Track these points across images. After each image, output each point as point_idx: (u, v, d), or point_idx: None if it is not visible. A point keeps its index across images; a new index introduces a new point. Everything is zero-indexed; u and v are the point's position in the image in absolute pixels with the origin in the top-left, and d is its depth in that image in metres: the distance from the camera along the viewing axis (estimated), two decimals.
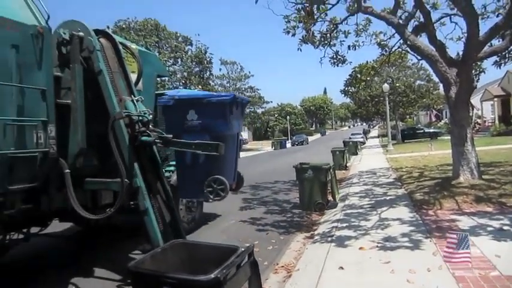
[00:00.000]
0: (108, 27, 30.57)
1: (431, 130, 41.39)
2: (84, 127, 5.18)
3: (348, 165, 19.33)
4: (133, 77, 6.16)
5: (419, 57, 11.63)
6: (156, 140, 5.31)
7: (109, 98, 5.21)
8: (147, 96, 6.85)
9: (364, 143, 43.97)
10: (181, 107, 5.36)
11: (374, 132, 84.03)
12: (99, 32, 5.76)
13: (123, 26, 36.01)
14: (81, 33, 5.28)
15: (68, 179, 4.96)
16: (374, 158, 22.59)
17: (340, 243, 5.69)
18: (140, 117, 5.31)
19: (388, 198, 9.17)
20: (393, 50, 13.70)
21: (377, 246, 5.34)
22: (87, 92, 5.33)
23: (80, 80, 5.18)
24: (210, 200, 5.25)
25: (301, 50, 12.40)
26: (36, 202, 4.95)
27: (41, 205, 5.01)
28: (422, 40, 10.41)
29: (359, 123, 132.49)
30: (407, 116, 60.83)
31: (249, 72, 47.74)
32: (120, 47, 5.86)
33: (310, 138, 64.64)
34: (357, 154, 26.87)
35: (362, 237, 5.90)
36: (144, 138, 5.17)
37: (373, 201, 8.87)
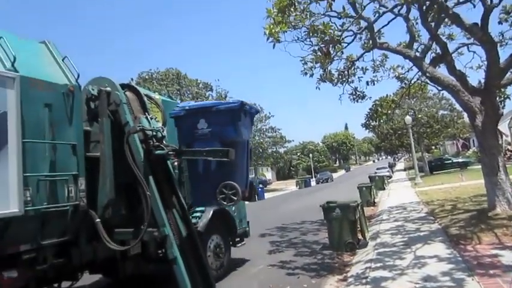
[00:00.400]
0: (132, 79, 31.94)
1: (460, 160, 40.14)
2: (113, 178, 5.30)
3: (376, 201, 18.82)
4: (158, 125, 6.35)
5: (440, 88, 11.54)
6: (169, 152, 5.48)
7: (135, 147, 5.38)
8: (171, 143, 7.01)
9: (390, 177, 42.97)
10: (191, 116, 5.51)
11: (400, 165, 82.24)
12: (124, 86, 6.04)
13: (146, 76, 37.59)
14: (108, 89, 5.56)
15: (99, 227, 5.02)
16: (402, 192, 21.94)
17: (376, 285, 5.43)
18: (154, 133, 5.49)
19: (421, 234, 8.79)
20: (412, 82, 13.67)
21: None
22: (114, 144, 5.51)
23: (108, 133, 5.37)
24: (224, 204, 5.22)
25: (319, 88, 12.53)
26: (68, 256, 5.00)
27: (72, 259, 5.04)
28: (442, 71, 10.38)
29: (383, 157, 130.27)
30: (433, 147, 59.49)
31: (269, 112, 48.31)
32: (145, 98, 6.11)
33: (334, 175, 63.72)
34: (384, 189, 26.20)
35: (399, 278, 5.61)
36: (158, 151, 5.36)
37: (406, 238, 8.51)
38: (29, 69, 4.50)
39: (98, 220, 5.08)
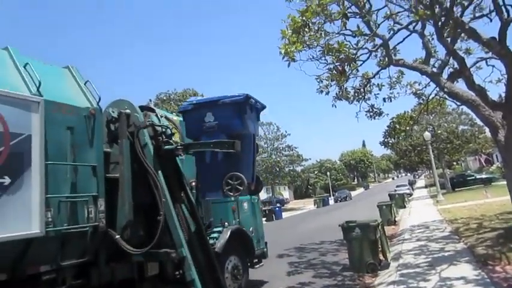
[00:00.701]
0: (150, 101, 32.57)
1: (484, 176, 38.95)
2: (131, 199, 5.35)
3: (396, 219, 18.39)
4: None
5: (459, 103, 11.35)
6: (177, 147, 5.65)
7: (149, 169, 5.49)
8: (188, 163, 7.07)
9: (411, 194, 42.01)
10: (199, 110, 5.63)
11: (420, 182, 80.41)
12: (143, 108, 6.18)
13: (164, 97, 38.26)
14: (128, 111, 5.69)
15: (120, 242, 5.07)
16: (424, 210, 21.39)
17: None
18: (164, 129, 5.68)
19: (446, 254, 8.51)
20: (430, 98, 13.50)
21: None
22: (133, 165, 5.59)
23: (128, 154, 5.46)
24: (231, 195, 5.30)
25: (335, 106, 12.45)
26: (86, 277, 5.01)
27: (91, 280, 5.06)
28: (460, 85, 10.22)
29: (403, 174, 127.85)
30: (455, 163, 58.15)
31: (285, 131, 48.19)
32: (164, 121, 6.22)
33: (353, 193, 62.75)
34: (405, 207, 25.61)
35: None
36: (167, 147, 5.54)
37: (430, 259, 8.25)
38: (52, 93, 4.65)
39: (118, 236, 5.13)
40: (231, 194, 5.27)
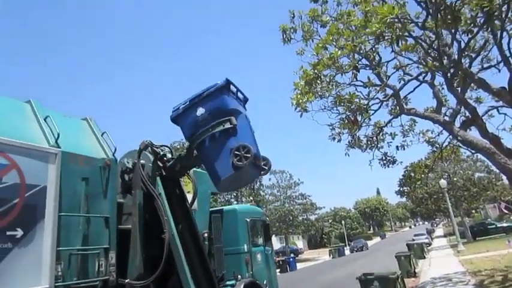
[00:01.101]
0: None
1: (505, 224, 37.48)
2: (142, 251, 5.29)
3: (416, 271, 17.58)
4: (189, 197, 6.45)
5: (473, 151, 11.23)
6: (181, 155, 6.17)
7: (165, 218, 5.47)
8: (202, 214, 7.04)
9: (430, 244, 40.47)
10: (189, 109, 5.83)
11: (439, 231, 77.75)
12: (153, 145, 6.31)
13: (178, 146, 38.75)
14: (142, 161, 5.77)
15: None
16: (445, 261, 20.46)
17: None
18: (162, 150, 6.13)
19: None
20: (444, 146, 13.41)
21: None
22: (145, 215, 5.58)
23: (141, 206, 5.47)
24: (241, 165, 5.32)
25: (348, 155, 12.42)
26: None
27: None
28: (473, 133, 10.17)
29: (420, 223, 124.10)
30: (473, 211, 56.37)
31: (298, 179, 47.73)
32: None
33: (369, 243, 60.75)
34: (424, 258, 24.57)
35: None
36: (169, 163, 6.00)
37: None
38: (70, 145, 4.77)
39: (128, 280, 5.06)
40: (241, 163, 5.31)
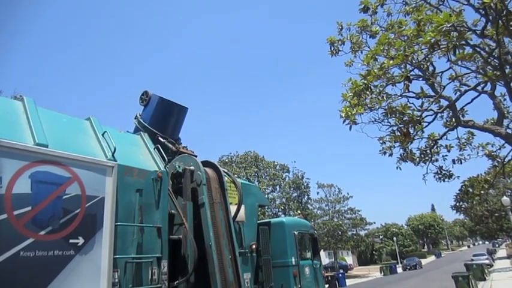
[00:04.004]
0: None
1: None
2: (194, 261, 5.40)
3: None
4: (234, 208, 6.55)
5: None
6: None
7: (206, 228, 5.63)
8: (250, 225, 7.06)
9: (491, 265, 37.61)
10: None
11: (501, 251, 72.06)
12: (207, 164, 6.46)
13: (226, 160, 39.35)
14: (192, 167, 5.97)
15: None
16: (508, 284, 18.91)
17: None
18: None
19: None
20: (506, 160, 12.51)
21: None
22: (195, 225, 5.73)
23: (191, 216, 5.62)
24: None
25: (400, 168, 11.95)
26: None
27: None
28: None
29: (480, 242, 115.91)
30: None
31: (348, 193, 46.63)
32: (225, 179, 6.43)
33: (423, 261, 57.55)
34: (485, 279, 22.90)
35: None
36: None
37: None
38: (125, 158, 5.02)
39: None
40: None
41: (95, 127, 5.23)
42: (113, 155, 4.84)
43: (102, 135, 5.11)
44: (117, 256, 4.41)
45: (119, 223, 4.55)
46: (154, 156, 5.68)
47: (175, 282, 5.33)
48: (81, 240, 4.10)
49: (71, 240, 4.04)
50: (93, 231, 4.25)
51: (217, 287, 5.37)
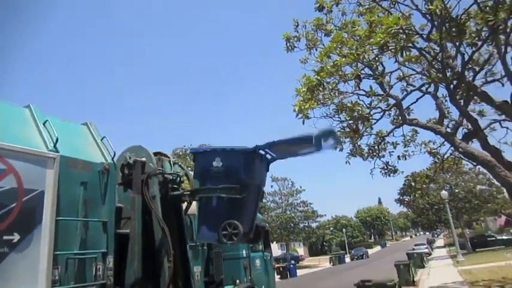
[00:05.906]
0: None
1: (505, 237, 37.30)
2: (141, 256, 5.27)
3: (415, 280, 17.48)
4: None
5: (474, 163, 11.20)
6: (184, 193, 5.95)
7: (156, 221, 5.53)
8: None
9: (430, 254, 40.26)
10: (209, 154, 5.73)
11: (439, 241, 77.30)
12: (157, 153, 6.31)
13: (180, 153, 38.65)
14: (143, 159, 5.79)
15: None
16: (444, 271, 20.38)
17: None
18: (174, 177, 5.98)
19: None
20: (446, 157, 13.37)
21: None
22: (144, 218, 5.58)
23: (140, 209, 5.46)
24: (225, 242, 5.27)
25: (349, 163, 12.38)
26: None
27: None
28: (475, 145, 10.15)
29: (421, 233, 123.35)
30: (474, 223, 56.09)
31: (300, 186, 47.58)
32: (177, 167, 6.35)
33: (370, 251, 60.47)
34: (423, 267, 24.51)
35: None
36: (174, 192, 5.94)
37: None
38: (69, 149, 4.76)
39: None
40: (225, 240, 5.27)
41: (35, 115, 4.89)
42: (54, 146, 4.58)
43: (44, 124, 4.81)
44: (58, 252, 4.20)
45: (60, 218, 4.33)
46: (102, 148, 5.44)
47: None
48: (16, 237, 3.83)
49: (4, 237, 3.76)
50: (30, 226, 4.00)
51: (166, 280, 5.29)
